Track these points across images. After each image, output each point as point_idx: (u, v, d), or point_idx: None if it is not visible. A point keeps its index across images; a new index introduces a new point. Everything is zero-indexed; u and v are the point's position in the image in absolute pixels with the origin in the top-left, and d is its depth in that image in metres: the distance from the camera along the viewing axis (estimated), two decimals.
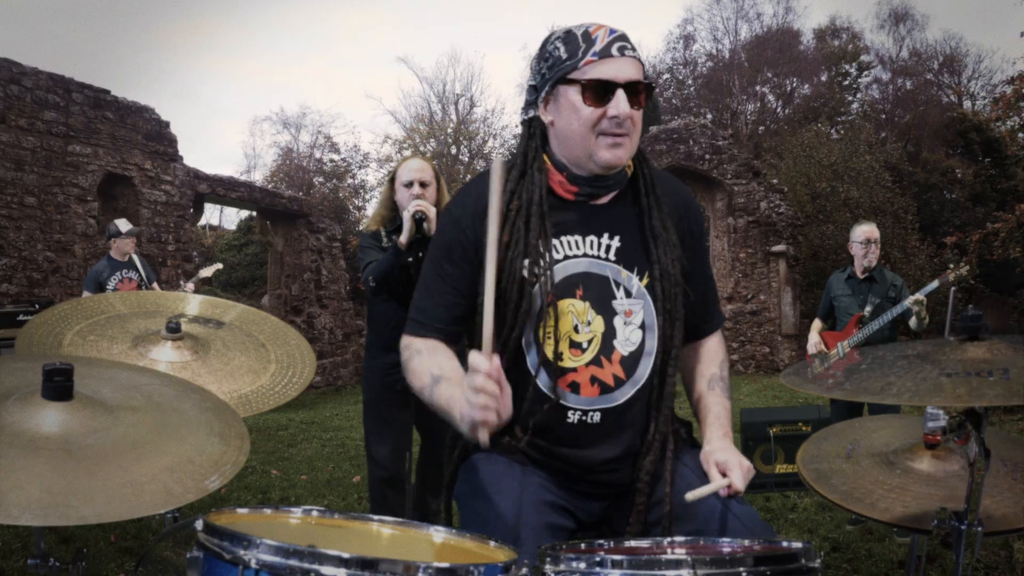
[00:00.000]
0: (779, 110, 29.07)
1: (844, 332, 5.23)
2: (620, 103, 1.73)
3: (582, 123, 1.76)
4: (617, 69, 1.74)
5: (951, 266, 4.95)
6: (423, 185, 3.63)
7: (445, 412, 1.73)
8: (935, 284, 5.03)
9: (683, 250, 1.90)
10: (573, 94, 1.76)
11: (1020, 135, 18.84)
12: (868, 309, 5.10)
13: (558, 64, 1.78)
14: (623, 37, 1.77)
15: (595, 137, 1.76)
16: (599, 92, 1.73)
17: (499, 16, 52.29)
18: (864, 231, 5.25)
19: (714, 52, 29.99)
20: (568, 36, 1.79)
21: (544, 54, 1.81)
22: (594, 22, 1.80)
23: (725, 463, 1.77)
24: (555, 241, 1.82)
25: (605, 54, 1.74)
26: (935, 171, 23.29)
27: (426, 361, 1.82)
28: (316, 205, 17.04)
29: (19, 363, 1.95)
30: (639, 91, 1.76)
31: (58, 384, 1.63)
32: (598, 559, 1.41)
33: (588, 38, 1.76)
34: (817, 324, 5.46)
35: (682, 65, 29.66)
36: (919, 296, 4.82)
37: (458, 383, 1.72)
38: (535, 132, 1.88)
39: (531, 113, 1.88)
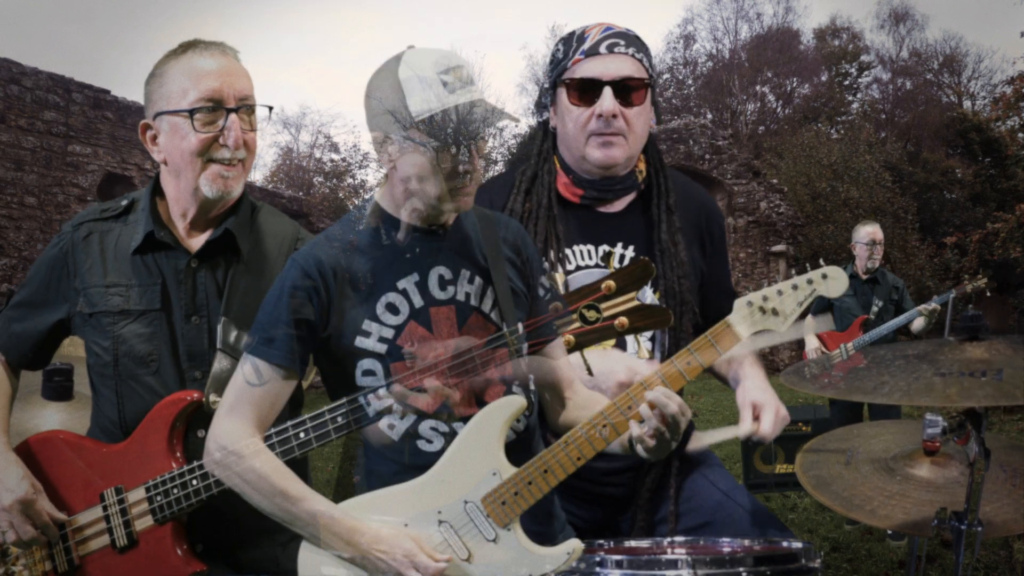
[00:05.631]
0: (779, 110, 29.06)
1: (847, 334, 5.16)
2: (605, 101, 1.70)
3: (573, 124, 1.75)
4: (604, 67, 1.71)
5: (967, 277, 4.94)
6: None
7: None
8: (952, 294, 4.98)
9: (703, 256, 1.87)
10: (563, 95, 1.76)
11: (1020, 135, 18.85)
12: (874, 311, 5.06)
13: (555, 65, 1.79)
14: (620, 34, 1.73)
15: (586, 138, 1.74)
16: (585, 91, 1.71)
17: (499, 16, 52.28)
18: (869, 232, 5.18)
19: (714, 52, 30.00)
20: (567, 37, 1.79)
21: (551, 56, 1.82)
22: (600, 21, 1.77)
23: (762, 404, 1.67)
24: (567, 250, 1.79)
25: (592, 52, 1.71)
26: (935, 171, 23.25)
27: None
28: (316, 205, 17.01)
29: None
30: (632, 88, 1.72)
31: (58, 384, 1.64)
32: (598, 559, 1.41)
33: (581, 37, 1.74)
34: (810, 322, 5.34)
35: (682, 65, 29.66)
36: (934, 305, 4.82)
37: None
38: (547, 134, 1.88)
39: (544, 115, 1.88)
